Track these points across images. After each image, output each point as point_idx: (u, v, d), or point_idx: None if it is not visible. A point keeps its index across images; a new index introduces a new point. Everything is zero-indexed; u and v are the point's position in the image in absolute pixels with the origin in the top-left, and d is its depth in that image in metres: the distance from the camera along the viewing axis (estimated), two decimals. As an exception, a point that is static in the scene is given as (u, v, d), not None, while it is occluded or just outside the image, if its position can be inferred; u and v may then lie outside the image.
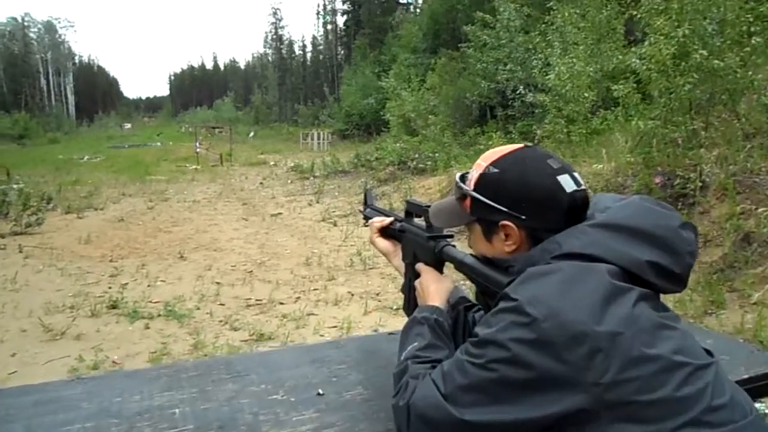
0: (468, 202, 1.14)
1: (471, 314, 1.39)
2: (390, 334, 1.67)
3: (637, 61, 7.15)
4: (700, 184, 5.89)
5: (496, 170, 1.09)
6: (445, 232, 1.36)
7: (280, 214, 11.25)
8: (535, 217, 1.06)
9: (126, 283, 6.30)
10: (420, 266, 1.36)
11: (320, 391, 1.30)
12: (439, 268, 1.35)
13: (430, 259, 1.35)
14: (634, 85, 7.84)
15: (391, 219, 1.54)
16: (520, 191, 1.06)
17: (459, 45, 18.12)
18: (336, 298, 5.77)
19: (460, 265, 1.23)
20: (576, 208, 1.07)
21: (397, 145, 15.64)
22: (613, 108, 9.19)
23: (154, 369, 1.43)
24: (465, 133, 15.31)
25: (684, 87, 6.58)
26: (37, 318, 5.09)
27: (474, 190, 1.12)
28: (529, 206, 1.06)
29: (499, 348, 0.92)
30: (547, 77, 10.56)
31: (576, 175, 1.10)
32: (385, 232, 1.54)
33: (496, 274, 1.11)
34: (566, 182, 1.07)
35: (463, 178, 1.18)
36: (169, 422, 1.19)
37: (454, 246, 1.33)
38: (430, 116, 16.75)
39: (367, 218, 1.64)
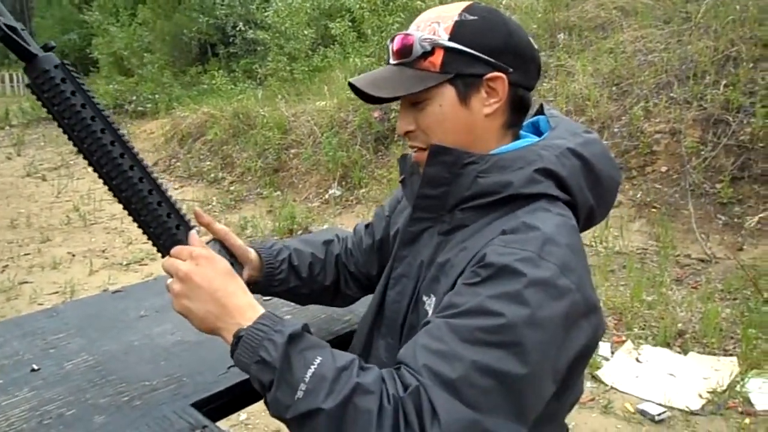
0: (439, 58, 0.90)
1: None
2: (115, 292, 1.55)
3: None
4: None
5: (474, 17, 0.91)
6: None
7: (-31, 172, 9.56)
8: (520, 70, 0.92)
9: None
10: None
11: (35, 367, 1.15)
12: None
13: None
14: (350, 23, 8.16)
15: None
16: (507, 40, 0.91)
17: (171, -24, 16.86)
18: (54, 261, 5.17)
19: None
20: (533, 87, 0.96)
21: (111, 86, 14.22)
22: (332, 46, 9.47)
23: None
24: (186, 72, 14.50)
25: (393, 26, 7.06)
26: None
27: (450, 40, 0.90)
28: (515, 58, 0.92)
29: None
30: (266, 14, 10.43)
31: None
32: None
33: None
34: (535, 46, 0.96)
35: (406, 40, 0.93)
36: None
37: None
38: (145, 54, 15.45)
39: None
